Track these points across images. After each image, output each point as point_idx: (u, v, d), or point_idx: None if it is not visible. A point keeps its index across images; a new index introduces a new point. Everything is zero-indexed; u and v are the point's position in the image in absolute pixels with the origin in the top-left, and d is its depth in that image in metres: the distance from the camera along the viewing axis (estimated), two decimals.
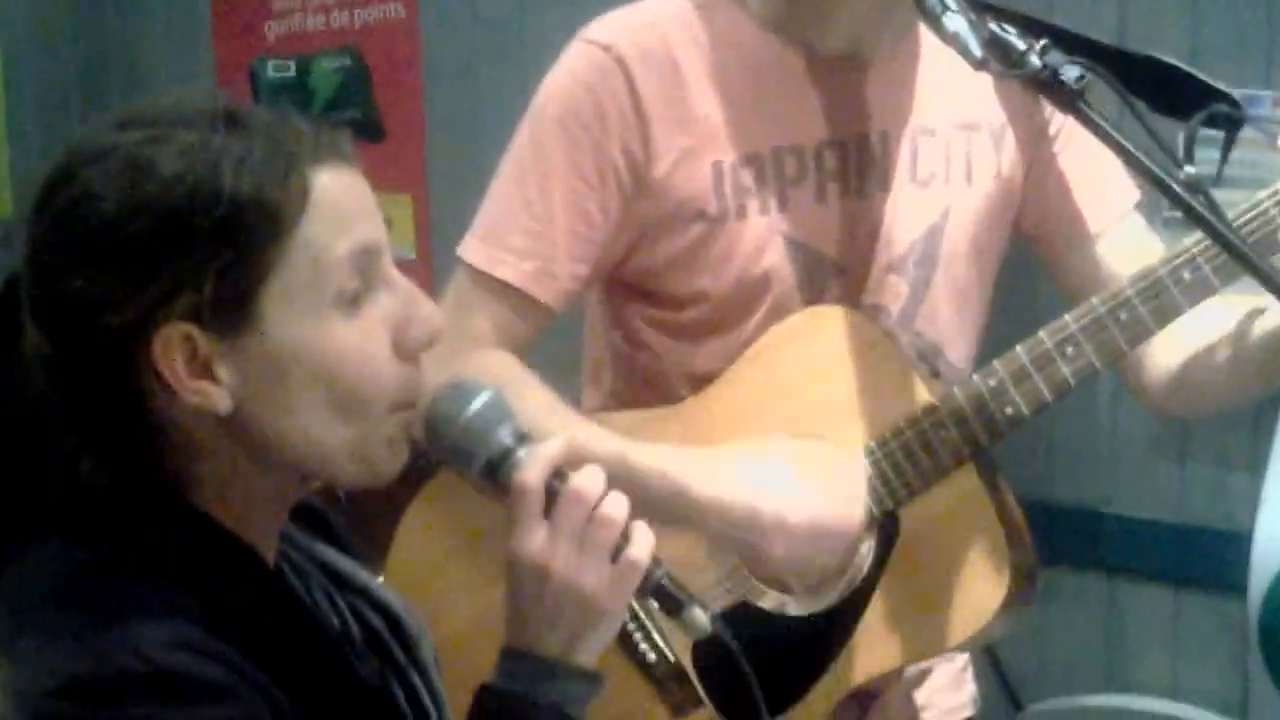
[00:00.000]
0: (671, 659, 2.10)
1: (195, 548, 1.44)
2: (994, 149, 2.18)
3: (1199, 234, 1.89)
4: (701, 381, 2.14)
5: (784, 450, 2.03)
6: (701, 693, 2.11)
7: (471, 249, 2.13)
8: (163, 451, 1.45)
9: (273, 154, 1.42)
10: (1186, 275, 1.98)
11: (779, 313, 2.11)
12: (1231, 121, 2.04)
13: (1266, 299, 1.74)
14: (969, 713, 2.35)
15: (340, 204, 1.46)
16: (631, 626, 2.11)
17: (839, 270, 2.13)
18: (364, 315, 1.47)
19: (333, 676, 1.49)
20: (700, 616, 1.57)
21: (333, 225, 1.45)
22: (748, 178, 2.08)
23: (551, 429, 1.95)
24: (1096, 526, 3.24)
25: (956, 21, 1.82)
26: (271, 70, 4.20)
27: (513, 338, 2.12)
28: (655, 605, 1.58)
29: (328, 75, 4.11)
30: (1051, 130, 2.20)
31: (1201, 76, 2.08)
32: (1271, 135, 2.07)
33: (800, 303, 2.11)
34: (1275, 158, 2.05)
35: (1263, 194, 1.97)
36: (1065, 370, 2.01)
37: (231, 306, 1.41)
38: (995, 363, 2.04)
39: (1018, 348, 2.03)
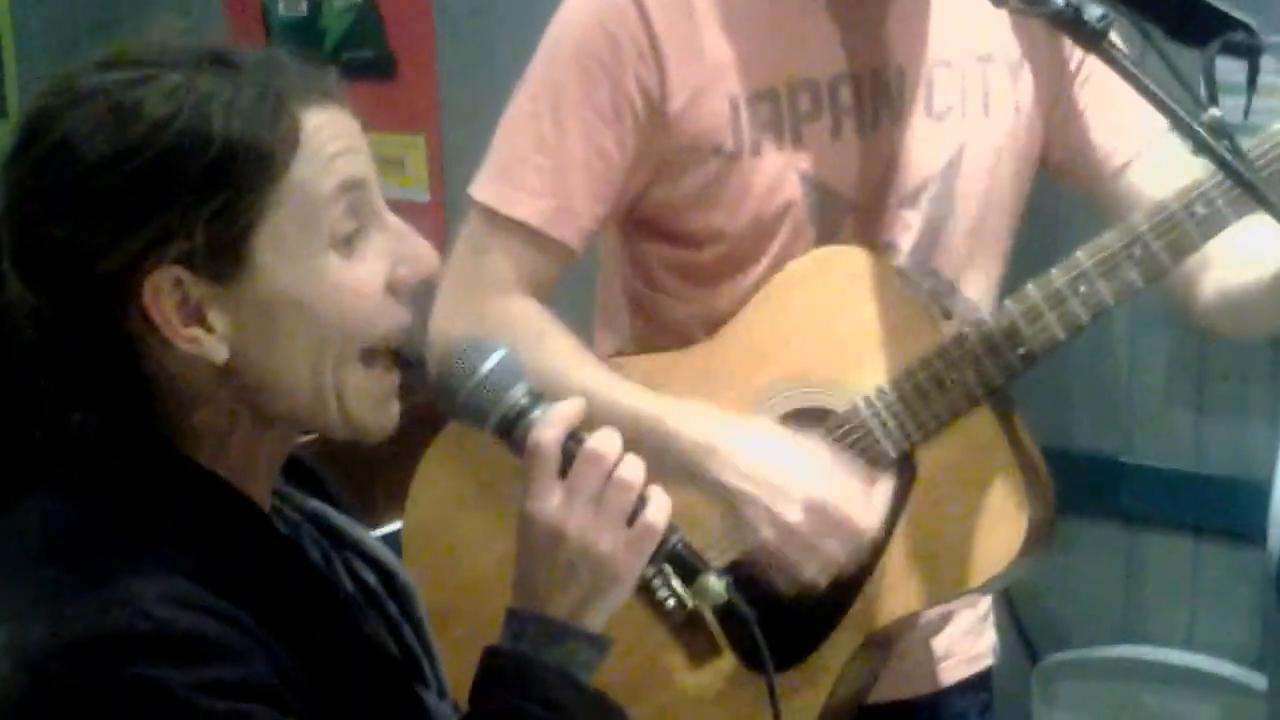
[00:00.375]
0: (690, 606, 2.09)
1: (192, 501, 1.42)
2: (1011, 82, 2.16)
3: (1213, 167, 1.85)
4: (715, 324, 2.13)
5: (816, 446, 2.02)
6: (721, 639, 2.10)
7: (484, 188, 2.11)
8: (156, 403, 1.43)
9: (262, 95, 1.40)
10: (1200, 209, 1.96)
11: (792, 251, 2.10)
12: (1251, 50, 2.00)
13: None
14: (989, 661, 2.35)
15: (330, 144, 1.43)
16: (650, 573, 2.05)
17: (853, 207, 2.11)
18: (358, 255, 1.45)
19: (338, 633, 1.47)
20: (715, 584, 1.55)
21: (323, 165, 1.43)
22: (764, 112, 2.06)
23: (578, 379, 2.00)
24: (1114, 476, 3.23)
25: None
26: (283, 9, 4.17)
27: (534, 280, 2.10)
28: (669, 571, 1.57)
29: (339, 14, 4.07)
30: (1073, 64, 2.18)
31: (1218, 4, 2.05)
32: None
33: (813, 241, 2.10)
34: None
35: (1278, 126, 1.95)
36: (1078, 308, 2.00)
37: (223, 251, 1.39)
38: (1008, 301, 2.03)
39: (1030, 285, 2.02)
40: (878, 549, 2.04)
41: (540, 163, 2.07)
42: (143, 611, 1.31)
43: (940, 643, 2.28)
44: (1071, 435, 3.23)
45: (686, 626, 2.11)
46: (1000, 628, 2.43)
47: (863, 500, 1.99)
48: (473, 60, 3.82)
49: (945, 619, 2.26)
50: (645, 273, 2.19)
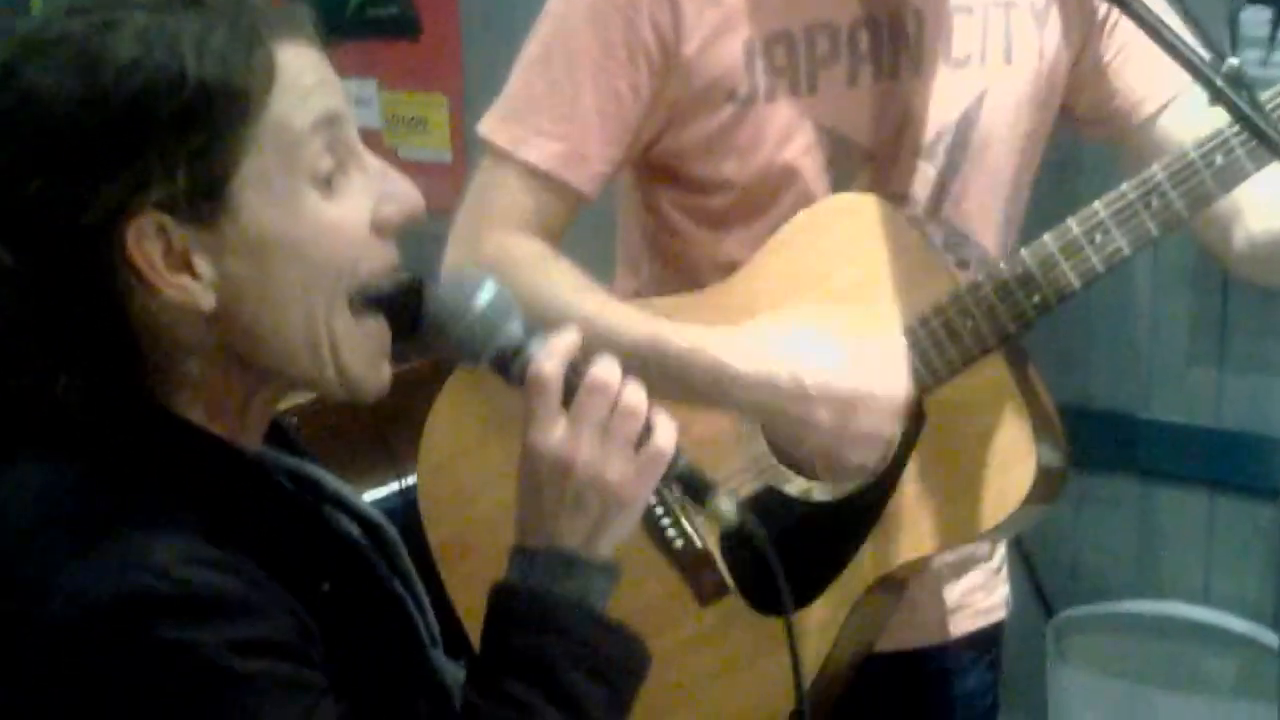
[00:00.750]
0: (699, 545, 2.10)
1: (190, 459, 1.40)
2: (1036, 28, 2.14)
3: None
4: (730, 268, 2.12)
5: (822, 320, 2.01)
6: (728, 579, 2.11)
7: (496, 129, 2.10)
8: (144, 359, 1.40)
9: (234, 32, 1.37)
10: (1219, 159, 1.95)
11: (805, 201, 2.09)
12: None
13: None
14: (1002, 615, 2.35)
15: (305, 77, 1.41)
16: (659, 512, 2.11)
17: (867, 157, 2.10)
18: (339, 194, 1.43)
19: (347, 584, 1.46)
20: (726, 504, 1.55)
21: (300, 100, 1.40)
22: (780, 57, 2.05)
23: (582, 308, 2.00)
24: (1132, 431, 3.22)
25: None
26: None
27: (542, 222, 2.09)
28: (678, 494, 1.56)
29: None
30: (1101, 11, 2.16)
31: None
32: None
33: (827, 189, 2.09)
34: None
35: None
36: (1094, 258, 1.99)
37: (205, 194, 1.36)
38: (1023, 250, 2.02)
39: (1046, 235, 2.01)
40: (887, 492, 2.04)
41: (553, 106, 2.06)
42: (163, 571, 1.29)
43: (952, 595, 2.27)
44: (1090, 391, 3.23)
45: (695, 568, 2.11)
46: (1015, 581, 2.43)
47: (882, 367, 1.98)
48: (495, 20, 3.82)
49: (958, 569, 2.26)
50: (660, 216, 2.18)
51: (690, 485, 1.55)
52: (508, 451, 2.07)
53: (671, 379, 1.97)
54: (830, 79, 2.07)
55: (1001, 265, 2.02)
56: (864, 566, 2.06)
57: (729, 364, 1.97)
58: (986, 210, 2.16)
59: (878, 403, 1.97)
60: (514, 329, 1.51)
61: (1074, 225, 1.99)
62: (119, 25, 1.35)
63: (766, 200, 2.09)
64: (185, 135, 1.35)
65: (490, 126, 2.11)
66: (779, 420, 2.01)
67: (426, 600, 1.64)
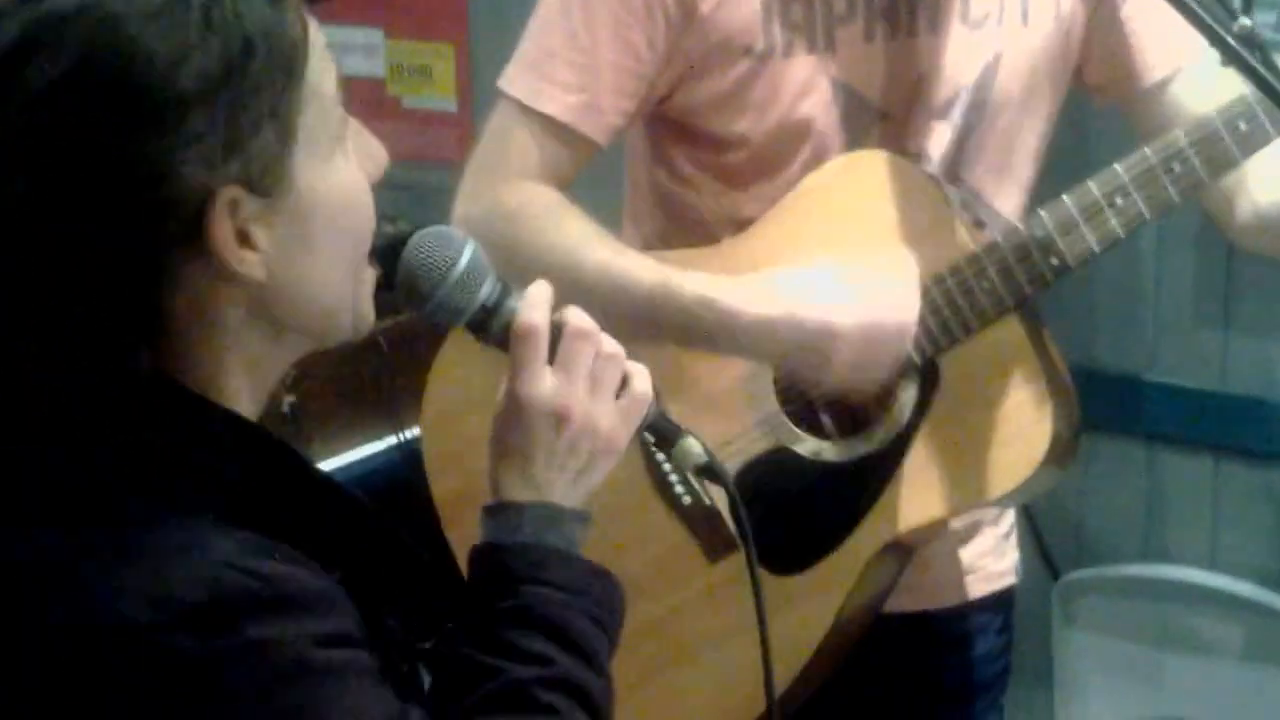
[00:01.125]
0: (707, 502, 2.10)
1: (227, 446, 1.35)
2: None
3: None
4: (742, 225, 2.12)
5: (828, 263, 2.01)
6: (736, 536, 2.05)
7: (514, 81, 2.10)
8: (172, 337, 1.34)
9: None
10: (1242, 125, 1.94)
11: (820, 158, 2.09)
12: None
13: None
14: (1012, 580, 2.35)
15: (319, 38, 1.38)
16: (668, 468, 2.11)
17: (882, 115, 2.10)
18: (349, 153, 1.41)
19: (383, 563, 1.44)
20: (694, 445, 1.57)
21: (325, 62, 1.37)
22: (796, 13, 2.04)
23: (594, 257, 2.02)
24: (1138, 393, 3.22)
25: None
26: None
27: (556, 173, 2.09)
28: (649, 439, 1.58)
29: None
30: None
31: None
32: None
33: (842, 148, 2.08)
34: None
35: None
36: (1114, 221, 1.99)
37: (273, 164, 1.32)
38: (1041, 211, 2.01)
39: (1065, 197, 2.00)
40: (900, 454, 2.04)
41: (570, 58, 2.06)
42: (245, 569, 1.26)
43: (963, 558, 2.27)
44: (1095, 351, 3.22)
45: (703, 525, 2.11)
46: (1021, 543, 2.43)
47: (891, 288, 1.98)
48: None
49: (968, 533, 2.26)
50: (673, 171, 2.18)
51: (659, 429, 1.57)
52: None
53: (683, 327, 1.99)
54: (847, 36, 2.06)
55: (1019, 226, 2.02)
56: (874, 528, 2.06)
57: (740, 309, 1.97)
58: (1002, 172, 2.16)
59: (886, 337, 1.97)
60: (490, 288, 1.51)
61: (1094, 187, 1.98)
62: None
63: (781, 157, 2.09)
64: (264, 99, 1.31)
65: (510, 80, 2.11)
66: (793, 361, 2.01)
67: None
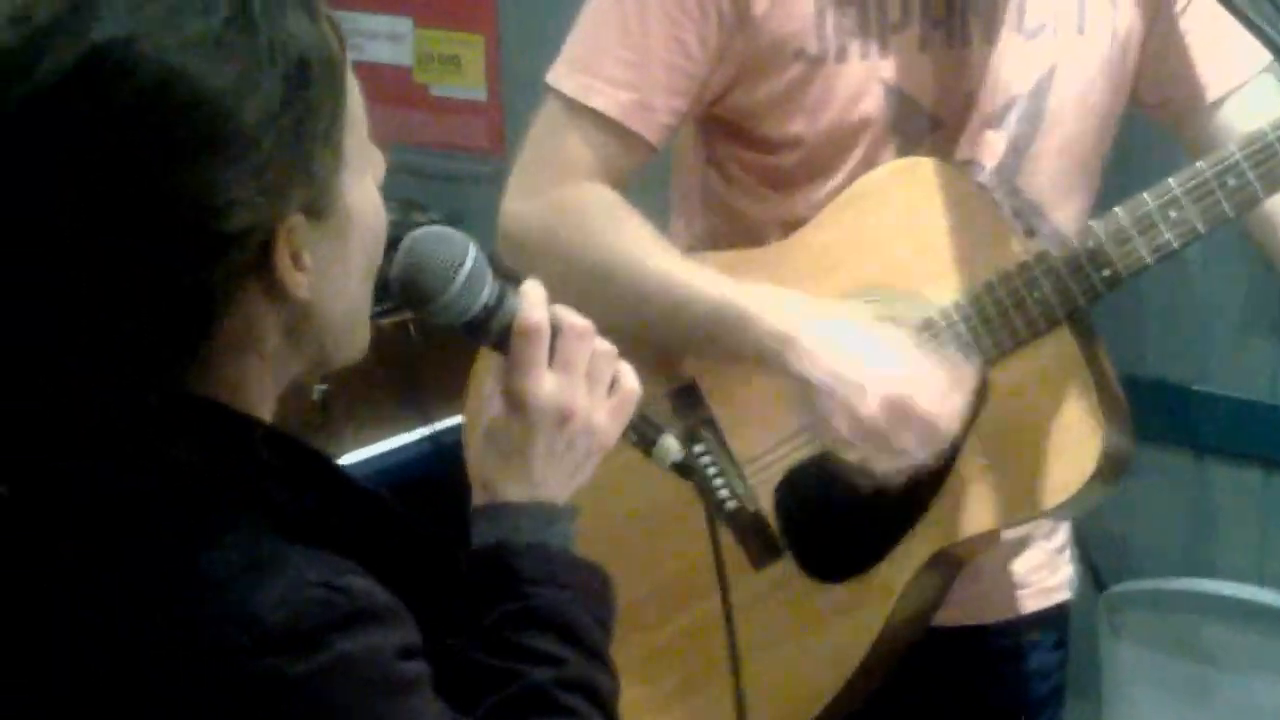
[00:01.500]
0: (752, 509, 2.10)
1: (272, 461, 1.36)
2: (1109, 4, 2.13)
3: None
4: (791, 228, 2.11)
5: (889, 329, 2.00)
6: (782, 545, 2.10)
7: (563, 77, 2.09)
8: (212, 358, 1.32)
9: (306, 5, 1.32)
10: None
11: (871, 163, 2.08)
12: None
13: None
14: (1065, 595, 2.34)
15: (346, 54, 1.36)
16: (713, 473, 2.10)
17: (936, 123, 2.10)
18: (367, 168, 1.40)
19: (423, 570, 1.44)
20: (672, 442, 1.61)
21: (352, 75, 1.36)
22: (851, 17, 2.04)
23: (654, 263, 2.03)
24: (1186, 404, 3.19)
25: None
26: None
27: (609, 171, 2.09)
28: (632, 436, 1.59)
29: None
30: None
31: None
32: None
33: (893, 154, 2.08)
34: None
35: None
36: (1168, 234, 1.97)
37: (327, 187, 1.32)
38: (1094, 222, 2.00)
39: (1118, 209, 1.99)
40: (948, 464, 2.02)
41: (622, 55, 2.05)
42: (330, 585, 1.27)
43: (1015, 572, 2.26)
44: (1144, 361, 3.19)
45: (748, 531, 2.10)
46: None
47: (943, 397, 1.96)
48: None
49: (1020, 546, 2.25)
50: (722, 172, 2.17)
51: (639, 427, 1.59)
52: None
53: (736, 340, 2.00)
54: (901, 42, 2.06)
55: (1072, 237, 2.02)
56: (922, 539, 2.05)
57: (795, 333, 1.97)
58: (1058, 184, 2.15)
59: (926, 422, 1.94)
60: (491, 288, 1.51)
61: (1148, 199, 1.97)
62: (237, 9, 1.27)
63: (832, 161, 2.09)
64: (320, 123, 1.30)
65: (559, 76, 2.10)
66: (827, 400, 1.98)
67: None
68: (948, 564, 2.10)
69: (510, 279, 1.54)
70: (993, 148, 2.11)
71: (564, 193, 2.06)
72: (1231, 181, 1.94)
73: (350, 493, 1.42)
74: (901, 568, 2.05)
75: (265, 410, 1.37)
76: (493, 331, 1.50)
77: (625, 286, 2.04)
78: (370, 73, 4.12)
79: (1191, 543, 3.26)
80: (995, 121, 2.10)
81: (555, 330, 1.50)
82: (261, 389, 1.36)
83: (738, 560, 2.09)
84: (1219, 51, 2.12)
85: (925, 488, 2.03)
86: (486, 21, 3.91)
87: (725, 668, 2.02)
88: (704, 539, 2.02)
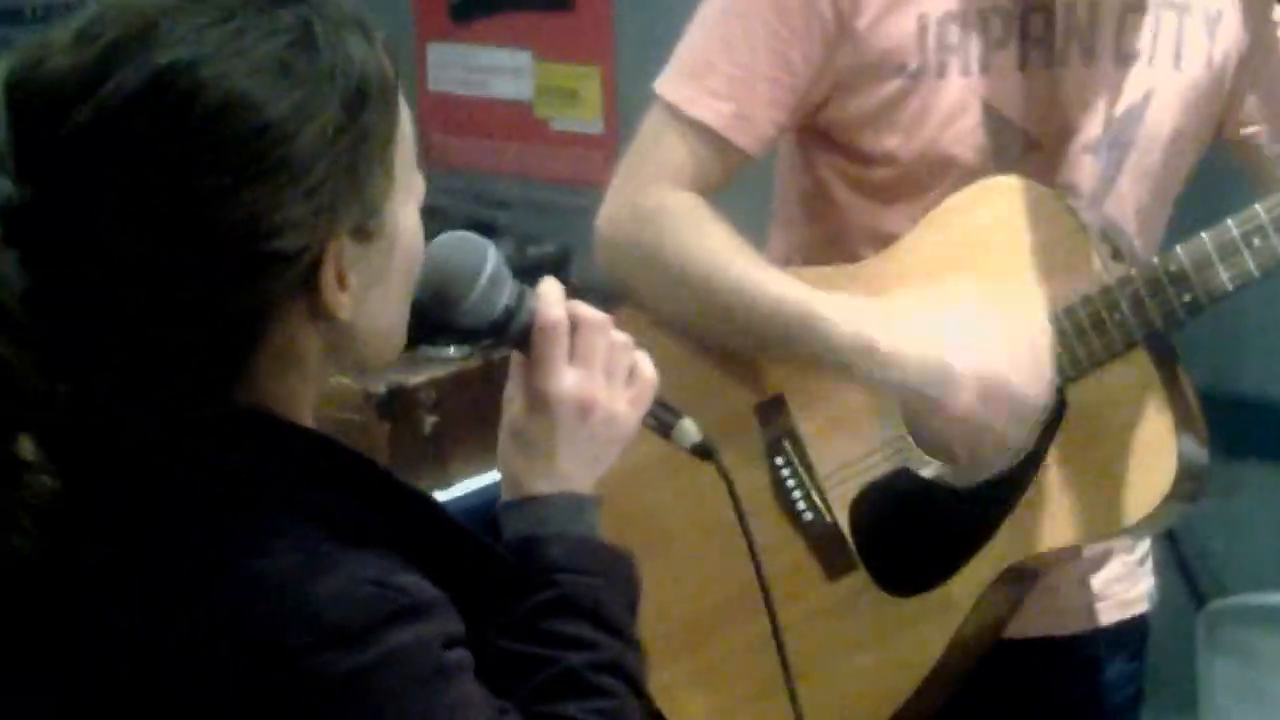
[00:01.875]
0: (828, 520, 2.11)
1: (320, 466, 1.38)
2: (1207, 34, 2.13)
3: None
4: (887, 241, 2.13)
5: (971, 303, 2.02)
6: (854, 556, 2.11)
7: (670, 85, 2.13)
8: (257, 371, 1.36)
9: (360, 24, 1.35)
10: None
11: (966, 181, 2.09)
12: None
13: None
14: (1144, 608, 2.32)
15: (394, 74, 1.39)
16: (791, 483, 2.12)
17: (1033, 143, 2.10)
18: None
19: (468, 565, 1.47)
20: (690, 425, 1.62)
21: (401, 99, 1.39)
22: (952, 34, 2.05)
23: (733, 269, 2.06)
24: None
25: None
26: None
27: (704, 179, 2.12)
28: (651, 423, 1.61)
29: None
30: (1271, 25, 2.14)
31: None
32: None
33: (989, 173, 2.08)
34: None
35: None
36: (1250, 262, 1.98)
37: (378, 209, 1.35)
38: (1178, 248, 2.01)
39: (1203, 234, 1.99)
40: (1023, 481, 2.03)
41: (726, 68, 2.08)
42: (381, 583, 1.31)
43: (1095, 584, 2.25)
44: (1241, 380, 3.19)
45: (823, 541, 2.12)
46: (1163, 570, 2.41)
47: (1030, 367, 1.98)
48: None
49: (1100, 559, 2.24)
50: (820, 183, 2.19)
51: (658, 413, 1.61)
52: None
53: (816, 348, 2.02)
54: (1001, 61, 2.07)
55: (1155, 260, 2.02)
56: (994, 555, 2.06)
57: (876, 339, 2.00)
58: (1143, 211, 2.15)
59: (1020, 398, 1.97)
60: (511, 289, 1.53)
61: (1233, 226, 1.98)
62: (287, 28, 1.30)
63: (928, 177, 2.10)
64: (375, 146, 1.33)
65: (666, 85, 2.13)
66: (919, 401, 2.02)
67: None
68: (1019, 580, 2.11)
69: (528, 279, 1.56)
70: (1088, 172, 2.11)
71: (652, 198, 2.10)
72: None
73: (396, 493, 1.43)
74: (972, 583, 2.06)
75: (307, 417, 1.41)
76: (514, 332, 1.53)
77: (704, 293, 2.07)
78: (492, 108, 4.20)
79: None
80: (1091, 146, 2.10)
81: (574, 326, 1.52)
82: (303, 398, 1.39)
83: (813, 570, 2.12)
84: None
85: (999, 504, 2.04)
86: (604, 53, 3.96)
87: (799, 675, 2.03)
88: (777, 551, 2.06)
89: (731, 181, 2.15)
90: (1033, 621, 2.19)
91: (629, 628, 1.49)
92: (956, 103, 2.07)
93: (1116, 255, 2.09)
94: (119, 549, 1.34)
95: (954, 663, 2.09)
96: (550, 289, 1.54)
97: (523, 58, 4.09)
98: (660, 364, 2.08)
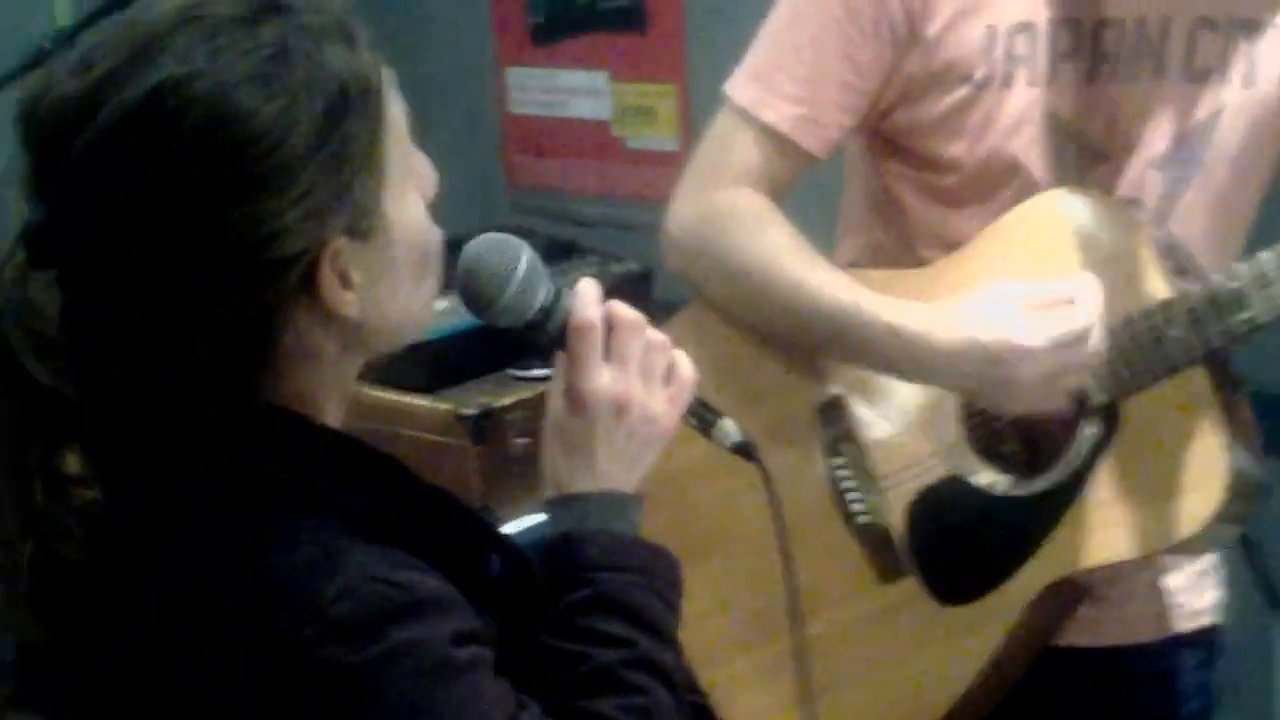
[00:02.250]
0: (882, 524, 2.13)
1: (338, 462, 1.43)
2: (1279, 55, 2.12)
3: None
4: (952, 247, 2.14)
5: (1008, 285, 2.02)
6: (907, 562, 2.12)
7: (740, 88, 2.15)
8: (275, 371, 1.41)
9: (341, 29, 1.39)
10: None
11: (1030, 191, 2.10)
12: None
13: None
14: (1210, 620, 2.30)
15: (390, 75, 1.43)
16: (848, 485, 2.14)
17: (1098, 156, 2.10)
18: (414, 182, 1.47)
19: (486, 564, 1.51)
20: (730, 425, 1.64)
21: (396, 98, 1.43)
22: (1021, 45, 2.06)
23: (790, 269, 2.07)
24: None
25: None
26: None
27: (771, 181, 2.14)
28: (692, 421, 1.63)
29: None
30: None
31: None
32: None
33: (1053, 183, 2.09)
34: None
35: None
36: None
37: (370, 208, 1.39)
38: (1238, 266, 1.99)
39: (1263, 253, 1.97)
40: (1074, 493, 2.04)
41: (796, 71, 2.10)
42: (387, 580, 1.34)
43: (1159, 593, 2.24)
44: None
45: (878, 546, 2.13)
46: (1239, 579, 2.39)
47: (1070, 325, 1.97)
48: (721, 12, 3.86)
49: (1164, 568, 2.22)
50: (888, 187, 2.21)
51: (698, 412, 1.63)
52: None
53: (869, 350, 2.05)
54: (1068, 73, 2.08)
55: (1215, 278, 2.00)
56: (1043, 566, 2.06)
57: (929, 335, 2.01)
58: (1210, 231, 2.14)
59: (1070, 353, 1.97)
60: (546, 288, 1.56)
61: None
62: (262, 41, 1.35)
63: (991, 185, 2.11)
64: (360, 148, 1.38)
65: (736, 87, 2.15)
66: (979, 387, 2.03)
67: None
68: (1068, 592, 2.10)
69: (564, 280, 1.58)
70: (1154, 187, 2.10)
71: (717, 196, 2.12)
72: None
73: (414, 489, 1.47)
74: (1020, 594, 2.06)
75: (333, 411, 1.45)
76: (551, 331, 1.55)
77: (761, 289, 2.10)
78: (573, 128, 4.24)
79: None
80: (1157, 160, 2.09)
81: (610, 326, 1.54)
82: (327, 393, 1.44)
83: (866, 574, 2.13)
84: None
85: (1050, 515, 2.04)
86: (677, 71, 3.99)
87: (847, 679, 2.07)
88: (832, 553, 2.10)
89: (801, 185, 2.17)
90: (1103, 630, 2.19)
91: (666, 625, 1.51)
92: (1022, 112, 2.08)
93: (1179, 271, 2.08)
94: (138, 551, 1.39)
95: (998, 674, 2.10)
96: (587, 288, 1.56)
97: (600, 78, 4.14)
98: (726, 362, 2.13)
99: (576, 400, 1.54)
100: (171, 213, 1.33)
